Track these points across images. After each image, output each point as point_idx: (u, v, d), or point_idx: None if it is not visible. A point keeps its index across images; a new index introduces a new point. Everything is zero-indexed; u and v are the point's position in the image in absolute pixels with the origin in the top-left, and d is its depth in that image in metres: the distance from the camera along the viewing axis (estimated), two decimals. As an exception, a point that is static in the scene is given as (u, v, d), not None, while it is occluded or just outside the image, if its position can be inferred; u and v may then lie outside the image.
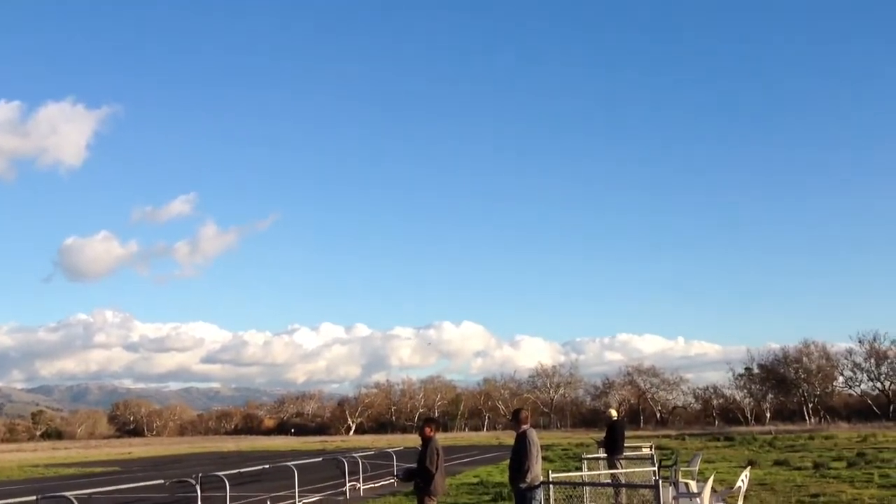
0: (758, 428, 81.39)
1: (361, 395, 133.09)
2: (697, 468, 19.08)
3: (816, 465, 25.84)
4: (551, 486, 10.64)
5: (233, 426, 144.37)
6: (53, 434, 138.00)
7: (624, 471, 16.08)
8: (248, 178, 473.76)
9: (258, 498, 21.27)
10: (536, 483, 10.61)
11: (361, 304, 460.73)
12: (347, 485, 22.42)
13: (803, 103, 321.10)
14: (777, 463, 28.20)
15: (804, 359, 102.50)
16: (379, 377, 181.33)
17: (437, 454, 11.50)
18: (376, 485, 24.34)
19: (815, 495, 17.40)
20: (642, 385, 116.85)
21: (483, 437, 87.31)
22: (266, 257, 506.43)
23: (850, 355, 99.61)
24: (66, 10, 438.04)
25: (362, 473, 23.76)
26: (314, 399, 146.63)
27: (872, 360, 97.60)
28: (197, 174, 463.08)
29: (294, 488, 19.99)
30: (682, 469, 17.54)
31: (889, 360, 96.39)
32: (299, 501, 19.51)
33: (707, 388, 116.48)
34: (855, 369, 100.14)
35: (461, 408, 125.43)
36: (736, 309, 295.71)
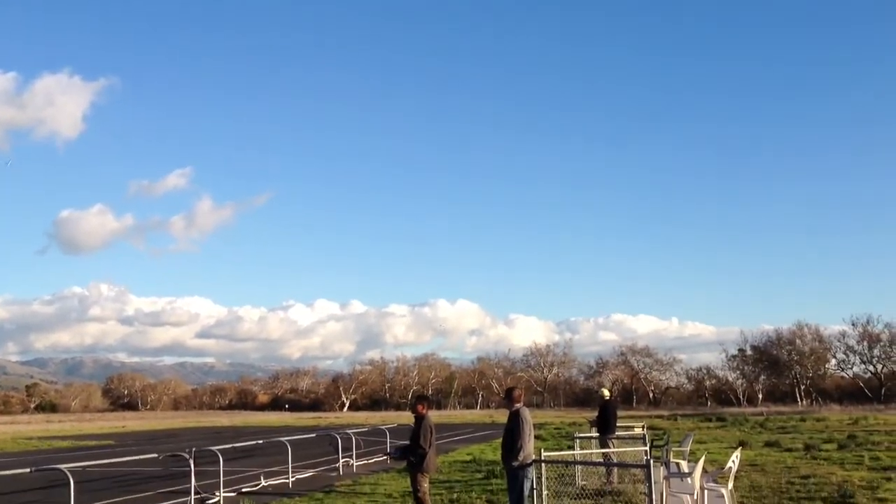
0: (750, 409, 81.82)
1: (356, 372, 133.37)
2: (689, 448, 19.18)
3: (807, 447, 25.98)
4: (543, 464, 10.67)
5: (227, 401, 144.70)
6: (48, 407, 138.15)
7: (616, 450, 16.15)
8: (244, 153, 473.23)
9: (252, 473, 21.35)
10: (528, 461, 10.65)
11: (356, 281, 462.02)
12: (341, 461, 22.50)
13: (796, 84, 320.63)
14: (768, 444, 28.34)
15: (797, 341, 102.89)
16: (373, 354, 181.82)
17: (431, 432, 11.54)
18: (370, 461, 24.44)
19: (806, 477, 17.51)
20: (636, 365, 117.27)
21: (476, 415, 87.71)
22: (262, 233, 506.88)
23: (843, 338, 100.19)
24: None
25: (356, 450, 23.85)
26: (308, 375, 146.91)
27: (865, 343, 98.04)
28: (193, 149, 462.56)
29: (288, 464, 20.06)
30: (673, 449, 17.63)
31: (882, 344, 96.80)
32: (293, 477, 19.58)
33: (700, 368, 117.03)
34: (848, 352, 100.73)
35: (455, 386, 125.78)
36: (730, 290, 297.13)
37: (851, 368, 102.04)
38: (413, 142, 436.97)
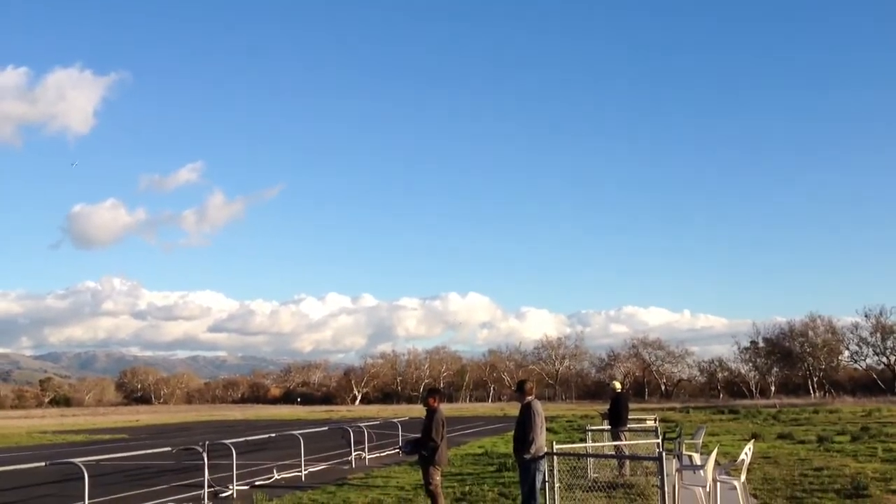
0: (762, 401, 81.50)
1: (367, 366, 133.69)
2: (701, 441, 19.13)
3: (820, 439, 25.88)
4: (555, 457, 10.67)
5: (239, 395, 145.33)
6: (61, 401, 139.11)
7: (628, 443, 16.12)
8: (255, 147, 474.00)
9: (264, 466, 21.44)
10: (540, 454, 10.64)
11: (368, 275, 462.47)
12: (353, 454, 22.57)
13: (809, 76, 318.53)
14: (781, 436, 28.26)
15: (810, 332, 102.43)
16: (385, 347, 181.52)
17: (442, 425, 11.54)
18: (382, 454, 24.50)
19: (819, 469, 17.45)
20: (647, 358, 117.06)
21: (488, 408, 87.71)
22: (273, 227, 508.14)
23: (856, 329, 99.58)
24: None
25: (368, 443, 23.91)
26: (320, 369, 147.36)
27: (878, 335, 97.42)
28: (204, 143, 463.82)
29: (300, 457, 20.12)
30: (685, 442, 17.59)
31: (895, 335, 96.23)
32: (305, 470, 19.65)
33: (712, 361, 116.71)
34: (861, 344, 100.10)
35: (466, 379, 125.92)
36: (742, 282, 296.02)
37: (864, 360, 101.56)
38: (424, 136, 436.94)
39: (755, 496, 13.54)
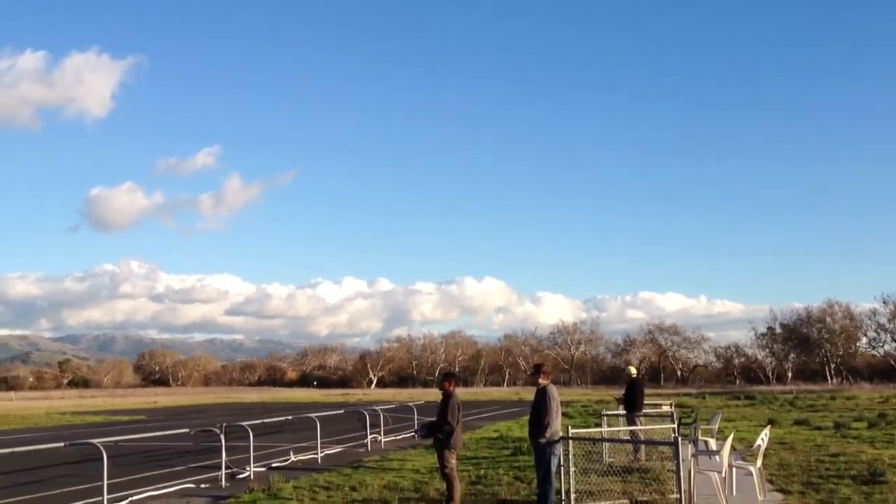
0: (779, 387, 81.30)
1: (383, 349, 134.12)
2: (717, 426, 19.11)
3: (837, 425, 25.78)
4: (570, 441, 10.69)
5: (256, 378, 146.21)
6: (80, 383, 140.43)
7: (643, 428, 16.12)
8: (271, 131, 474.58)
9: (281, 448, 21.57)
10: (556, 438, 10.65)
11: (383, 259, 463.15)
12: (369, 437, 22.67)
13: (822, 61, 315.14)
14: (797, 422, 28.17)
15: (827, 319, 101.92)
16: (400, 331, 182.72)
17: (458, 409, 11.56)
18: (397, 437, 24.60)
19: (835, 455, 17.38)
20: (663, 343, 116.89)
21: (503, 392, 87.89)
22: (289, 211, 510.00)
23: (874, 316, 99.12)
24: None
25: (383, 426, 24.01)
26: (336, 352, 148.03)
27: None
28: (221, 127, 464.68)
29: (317, 439, 20.23)
30: (701, 427, 17.58)
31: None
32: (321, 452, 19.76)
33: (728, 346, 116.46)
34: (878, 330, 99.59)
35: (482, 363, 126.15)
36: (759, 268, 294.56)
37: (882, 347, 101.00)
38: (440, 122, 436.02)
39: (771, 482, 13.51)
